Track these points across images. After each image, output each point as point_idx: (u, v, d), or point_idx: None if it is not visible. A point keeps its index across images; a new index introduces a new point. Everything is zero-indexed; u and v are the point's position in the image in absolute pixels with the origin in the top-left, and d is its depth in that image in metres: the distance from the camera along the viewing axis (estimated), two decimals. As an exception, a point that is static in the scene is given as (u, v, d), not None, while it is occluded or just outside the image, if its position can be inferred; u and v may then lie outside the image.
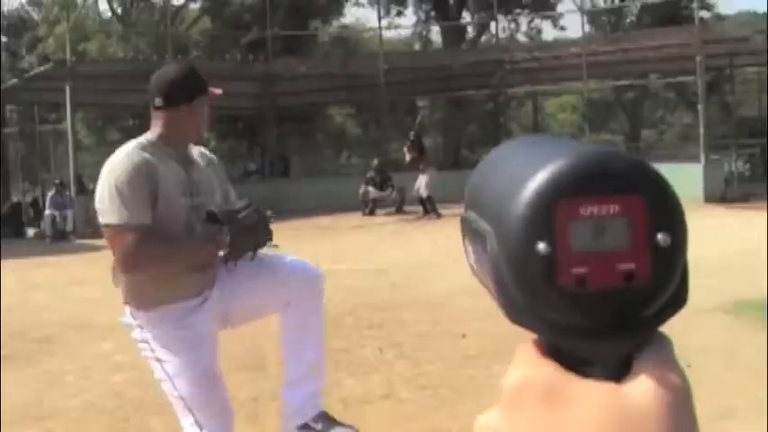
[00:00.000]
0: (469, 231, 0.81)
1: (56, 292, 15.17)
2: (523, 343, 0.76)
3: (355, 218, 26.34)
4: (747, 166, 33.17)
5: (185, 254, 4.65)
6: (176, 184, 4.53)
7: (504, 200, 0.72)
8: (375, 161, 29.77)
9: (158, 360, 4.67)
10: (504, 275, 0.72)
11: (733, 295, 11.32)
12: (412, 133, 28.41)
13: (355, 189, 28.02)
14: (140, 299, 4.64)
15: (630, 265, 0.70)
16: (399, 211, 27.46)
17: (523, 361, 0.74)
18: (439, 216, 25.04)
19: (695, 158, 27.30)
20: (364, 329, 10.72)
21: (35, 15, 48.79)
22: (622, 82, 40.51)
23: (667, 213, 0.71)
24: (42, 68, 30.68)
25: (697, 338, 9.21)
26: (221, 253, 4.73)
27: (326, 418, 5.29)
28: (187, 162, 4.66)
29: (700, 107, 28.26)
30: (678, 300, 0.74)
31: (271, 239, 4.90)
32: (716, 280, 12.54)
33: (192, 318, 4.64)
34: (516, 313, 0.73)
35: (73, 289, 15.45)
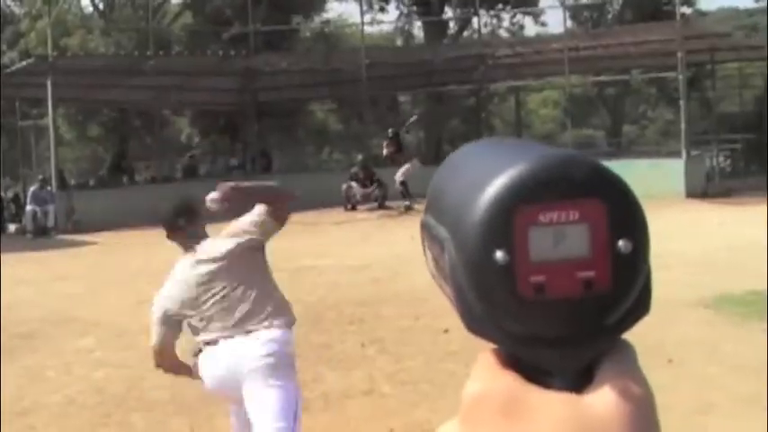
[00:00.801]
0: (428, 237, 0.79)
1: (37, 288, 15.13)
2: (483, 353, 0.74)
3: (337, 213, 26.34)
4: (728, 161, 33.29)
5: None
6: None
7: (462, 206, 0.71)
8: (359, 157, 29.82)
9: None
10: (463, 284, 0.70)
11: (714, 290, 11.37)
12: (391, 130, 28.54)
13: (337, 185, 27.99)
14: None
15: (590, 273, 0.68)
16: (381, 206, 27.50)
17: (482, 372, 0.73)
18: (411, 206, 25.42)
19: (677, 154, 27.35)
20: (346, 324, 10.74)
21: (16, 10, 48.58)
22: (604, 77, 40.57)
23: (629, 219, 0.69)
24: (23, 63, 30.53)
25: (678, 333, 9.25)
26: None
27: None
28: None
29: (681, 103, 28.31)
30: (640, 307, 0.72)
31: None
32: (697, 275, 12.61)
33: None
34: (475, 322, 0.72)
35: (54, 284, 15.41)
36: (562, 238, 0.68)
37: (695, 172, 26.92)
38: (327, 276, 14.40)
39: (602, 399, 0.68)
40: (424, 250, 0.82)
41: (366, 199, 27.80)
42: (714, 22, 50.56)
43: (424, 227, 0.81)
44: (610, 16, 46.34)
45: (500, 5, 44.37)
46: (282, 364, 5.17)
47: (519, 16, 46.86)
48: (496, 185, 0.69)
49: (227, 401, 5.61)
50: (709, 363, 8.25)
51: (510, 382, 0.70)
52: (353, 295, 12.52)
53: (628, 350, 0.73)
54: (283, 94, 37.91)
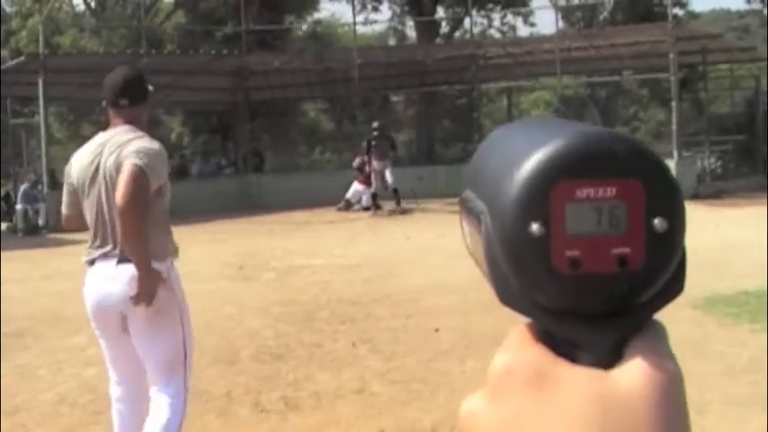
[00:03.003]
0: (466, 210, 0.80)
1: (28, 286, 15.11)
2: (516, 325, 0.74)
3: (329, 213, 26.32)
4: (720, 162, 33.31)
5: None
6: None
7: (500, 179, 0.71)
8: (375, 123, 28.49)
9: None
10: (498, 256, 0.71)
11: (704, 291, 11.37)
12: (376, 123, 28.02)
13: (328, 184, 27.99)
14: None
15: (625, 250, 0.69)
16: (373, 206, 27.45)
17: (512, 344, 0.73)
18: (377, 209, 25.69)
19: (668, 155, 27.33)
20: (337, 324, 10.73)
21: (8, 8, 48.52)
22: (596, 78, 40.59)
23: (666, 198, 0.69)
24: (15, 62, 30.48)
25: (668, 333, 9.26)
26: None
27: None
28: None
29: (673, 104, 28.35)
30: (674, 287, 0.73)
31: None
32: (688, 275, 12.59)
33: None
34: (508, 295, 0.72)
35: (45, 283, 15.39)
36: (598, 214, 0.69)
37: (686, 173, 26.96)
38: (319, 276, 14.39)
39: (629, 375, 0.69)
40: (462, 225, 0.83)
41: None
42: (706, 24, 50.73)
43: (463, 201, 0.81)
44: (601, 17, 46.39)
45: (490, 5, 44.38)
46: None
47: (510, 17, 46.90)
48: (535, 159, 0.69)
49: None
50: (699, 363, 8.26)
51: (538, 355, 0.71)
52: (345, 295, 12.52)
53: (659, 330, 0.74)
54: (276, 94, 37.91)
